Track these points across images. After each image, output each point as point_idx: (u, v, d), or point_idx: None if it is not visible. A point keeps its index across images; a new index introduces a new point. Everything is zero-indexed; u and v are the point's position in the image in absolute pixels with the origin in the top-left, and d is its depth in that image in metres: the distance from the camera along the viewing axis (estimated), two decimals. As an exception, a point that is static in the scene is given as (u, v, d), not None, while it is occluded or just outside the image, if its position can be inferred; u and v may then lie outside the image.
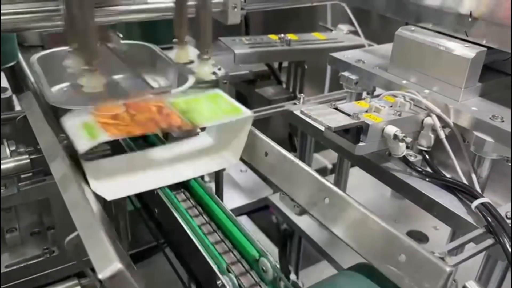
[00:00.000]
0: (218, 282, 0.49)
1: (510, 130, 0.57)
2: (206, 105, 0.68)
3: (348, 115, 0.60)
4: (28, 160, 0.60)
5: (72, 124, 0.59)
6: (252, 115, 0.66)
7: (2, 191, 0.65)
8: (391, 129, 0.60)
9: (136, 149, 0.68)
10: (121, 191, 0.60)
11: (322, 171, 1.22)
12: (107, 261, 0.34)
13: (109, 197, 0.57)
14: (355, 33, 1.09)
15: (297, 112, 0.77)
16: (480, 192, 0.60)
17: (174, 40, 0.73)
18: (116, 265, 0.34)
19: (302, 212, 0.90)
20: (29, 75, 0.92)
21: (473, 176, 0.61)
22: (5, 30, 0.58)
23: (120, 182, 0.61)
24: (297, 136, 1.07)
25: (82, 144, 0.54)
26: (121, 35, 1.07)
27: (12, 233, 0.75)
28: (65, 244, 0.37)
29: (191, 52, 1.07)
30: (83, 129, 0.58)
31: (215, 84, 0.96)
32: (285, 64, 1.17)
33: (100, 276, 0.33)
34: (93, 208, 0.42)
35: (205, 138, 0.71)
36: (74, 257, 0.39)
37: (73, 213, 0.39)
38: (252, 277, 0.51)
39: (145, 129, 0.60)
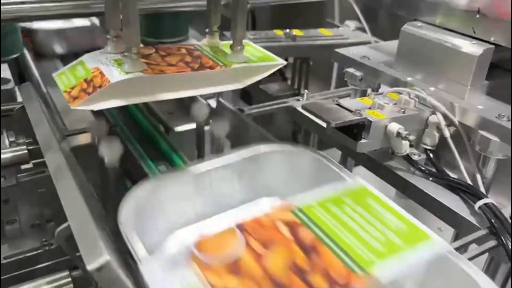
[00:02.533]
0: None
1: (516, 130, 0.55)
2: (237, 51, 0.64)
3: (351, 111, 0.59)
4: (26, 151, 0.59)
5: (100, 60, 0.57)
6: (284, 63, 0.65)
7: (1, 182, 0.65)
8: (394, 127, 0.59)
9: (134, 140, 0.67)
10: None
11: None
12: (96, 253, 0.33)
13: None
14: (362, 29, 1.08)
15: (300, 108, 0.76)
16: (485, 192, 0.58)
17: (206, 30, 0.71)
18: (105, 257, 0.33)
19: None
20: (32, 67, 0.93)
21: (478, 176, 0.60)
22: (5, 19, 0.58)
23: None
24: (301, 134, 1.05)
25: (115, 77, 0.52)
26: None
27: (12, 224, 0.74)
28: (55, 234, 0.37)
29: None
30: (115, 64, 0.56)
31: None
32: (290, 60, 1.16)
33: (88, 267, 0.33)
34: (87, 199, 0.41)
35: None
36: (66, 249, 0.38)
37: (65, 203, 0.38)
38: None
39: (177, 69, 0.58)
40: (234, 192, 0.52)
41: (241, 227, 0.43)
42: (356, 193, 0.49)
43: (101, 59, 0.57)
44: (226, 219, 0.49)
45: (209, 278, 0.38)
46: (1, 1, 0.60)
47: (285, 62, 0.65)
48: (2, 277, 0.68)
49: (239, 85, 0.64)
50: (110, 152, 0.53)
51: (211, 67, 0.59)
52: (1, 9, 0.61)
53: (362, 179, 0.52)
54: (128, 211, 0.42)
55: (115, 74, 0.52)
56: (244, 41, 0.64)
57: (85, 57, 0.59)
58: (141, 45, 0.58)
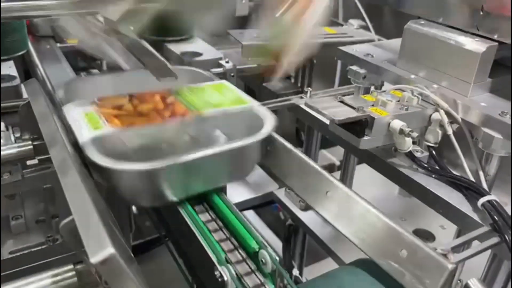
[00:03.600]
0: (216, 273, 0.49)
1: (519, 127, 0.55)
2: (211, 94, 0.67)
3: (354, 108, 0.60)
4: (31, 146, 0.60)
5: (75, 114, 0.59)
6: (257, 104, 0.65)
7: (7, 177, 0.65)
8: (397, 124, 0.59)
9: None
10: None
11: (330, 168, 1.21)
12: (100, 246, 0.34)
13: None
14: (366, 28, 1.08)
15: (303, 106, 0.76)
16: (488, 190, 0.58)
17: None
18: (109, 250, 0.33)
19: (307, 207, 0.90)
20: (38, 64, 0.93)
21: (481, 174, 0.60)
22: (5, 18, 0.58)
23: None
24: (304, 131, 1.06)
25: (84, 135, 0.54)
26: (132, 28, 1.07)
27: (18, 220, 0.75)
28: (60, 228, 0.37)
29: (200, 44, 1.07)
30: (86, 120, 0.58)
31: (222, 76, 0.96)
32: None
33: (92, 260, 0.33)
34: (91, 193, 0.41)
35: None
36: (70, 242, 0.39)
37: (69, 197, 0.39)
38: (251, 268, 0.51)
39: (148, 119, 0.60)
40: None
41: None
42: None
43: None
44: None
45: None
46: None
47: (258, 104, 0.65)
48: (7, 272, 0.69)
49: None
50: None
51: (183, 115, 0.61)
52: (9, 6, 0.62)
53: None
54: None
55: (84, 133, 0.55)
56: (222, 82, 0.71)
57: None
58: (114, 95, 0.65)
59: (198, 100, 0.65)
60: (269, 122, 0.60)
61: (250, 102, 0.65)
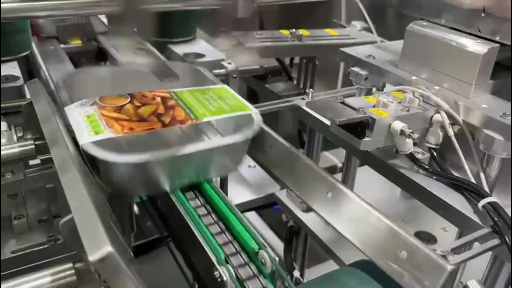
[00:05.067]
0: (215, 273, 0.49)
1: (521, 129, 0.55)
2: (212, 98, 0.67)
3: (355, 109, 0.60)
4: (33, 146, 0.60)
5: (76, 115, 0.60)
6: (257, 112, 0.65)
7: (9, 176, 0.66)
8: (398, 125, 0.59)
9: None
10: None
11: (332, 170, 1.21)
12: (98, 244, 0.34)
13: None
14: (369, 30, 1.08)
15: (305, 107, 0.76)
16: (489, 191, 0.58)
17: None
18: (107, 248, 0.33)
19: (308, 209, 0.90)
20: (42, 65, 0.94)
21: (482, 175, 0.60)
22: (5, 19, 0.59)
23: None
24: (306, 133, 1.06)
25: (85, 138, 0.55)
26: (135, 29, 1.08)
27: (20, 219, 0.76)
28: (59, 226, 0.37)
29: (203, 46, 1.08)
30: (87, 122, 0.58)
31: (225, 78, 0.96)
32: (296, 60, 1.16)
33: (90, 258, 0.33)
34: (91, 193, 0.42)
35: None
36: (69, 241, 0.39)
37: (68, 195, 0.39)
38: (251, 268, 0.51)
39: (148, 125, 0.60)
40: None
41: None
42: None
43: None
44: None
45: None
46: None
47: (257, 112, 0.65)
48: (9, 271, 0.70)
49: None
50: None
51: (181, 122, 0.61)
52: (11, 7, 0.63)
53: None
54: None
55: (85, 136, 0.55)
56: (223, 86, 0.71)
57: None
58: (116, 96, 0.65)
59: (198, 106, 0.65)
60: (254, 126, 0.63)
61: (251, 110, 0.65)
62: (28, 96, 0.79)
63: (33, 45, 1.00)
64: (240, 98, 0.69)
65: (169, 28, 1.07)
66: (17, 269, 0.68)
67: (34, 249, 0.72)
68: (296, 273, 0.93)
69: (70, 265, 0.44)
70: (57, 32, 1.14)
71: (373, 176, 0.72)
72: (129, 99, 0.65)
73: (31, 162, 0.69)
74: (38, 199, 0.77)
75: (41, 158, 0.66)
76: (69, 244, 0.38)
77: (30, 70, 0.99)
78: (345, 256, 0.82)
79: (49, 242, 0.73)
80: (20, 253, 0.72)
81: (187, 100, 0.66)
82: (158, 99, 0.66)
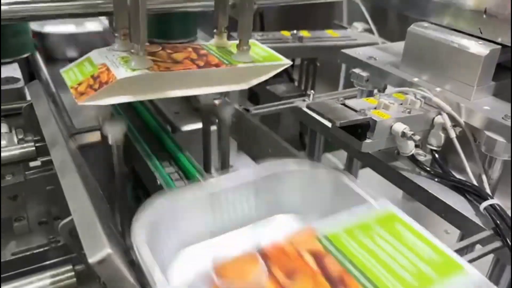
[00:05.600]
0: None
1: (523, 130, 0.55)
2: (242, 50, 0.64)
3: (356, 111, 0.59)
4: (34, 148, 0.60)
5: (109, 57, 0.57)
6: (290, 63, 0.64)
7: (9, 178, 0.66)
8: (400, 127, 0.58)
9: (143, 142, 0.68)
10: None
11: (333, 171, 1.20)
12: (98, 246, 0.34)
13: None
14: (370, 31, 1.08)
15: (306, 109, 0.76)
16: (491, 193, 0.58)
17: (214, 31, 0.71)
18: (106, 250, 0.33)
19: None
20: (42, 67, 0.94)
21: (484, 177, 0.59)
22: (5, 19, 0.59)
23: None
24: (307, 135, 1.05)
25: (121, 73, 0.52)
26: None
27: (20, 221, 0.75)
28: (59, 228, 0.37)
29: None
30: (121, 61, 0.56)
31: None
32: (297, 61, 1.16)
33: (90, 260, 0.33)
34: (92, 195, 0.42)
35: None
36: (69, 242, 0.39)
37: (68, 197, 0.39)
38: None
39: (183, 66, 0.58)
40: (249, 208, 0.52)
41: (262, 253, 0.40)
42: (385, 219, 0.46)
43: (108, 56, 0.57)
44: (242, 237, 0.50)
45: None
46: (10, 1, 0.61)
47: (290, 62, 0.64)
48: (9, 273, 0.69)
49: (245, 85, 0.64)
50: (114, 130, 0.54)
51: (216, 65, 0.59)
52: (12, 8, 0.63)
53: (389, 203, 0.50)
54: (142, 225, 0.41)
55: (121, 71, 0.53)
56: (250, 41, 0.64)
57: (92, 54, 0.59)
58: (148, 44, 0.58)
59: (229, 55, 0.63)
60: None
61: (282, 60, 0.64)
62: (28, 98, 0.79)
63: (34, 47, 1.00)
64: (270, 50, 0.67)
65: (169, 29, 1.06)
66: (18, 271, 0.67)
67: (34, 251, 0.72)
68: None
69: (70, 267, 0.44)
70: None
71: (375, 178, 0.72)
72: (161, 47, 0.63)
73: (32, 164, 0.69)
74: (38, 201, 0.77)
75: (41, 160, 0.66)
76: (69, 246, 0.37)
77: (31, 72, 0.99)
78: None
79: (50, 244, 0.73)
80: (20, 255, 0.71)
81: (219, 51, 0.64)
82: (190, 49, 0.64)
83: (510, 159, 0.58)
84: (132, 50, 0.55)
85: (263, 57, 0.64)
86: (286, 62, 0.64)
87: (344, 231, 0.43)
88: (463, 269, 0.40)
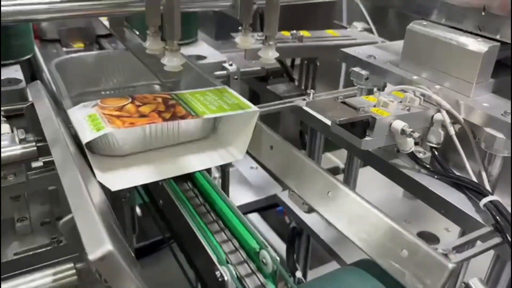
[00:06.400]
0: (216, 273, 0.49)
1: (522, 127, 0.55)
2: (212, 99, 0.68)
3: (355, 109, 0.60)
4: (35, 148, 0.60)
5: (78, 115, 0.60)
6: (258, 110, 0.66)
7: (11, 179, 0.66)
8: (399, 124, 0.59)
9: None
10: (126, 182, 0.60)
11: (334, 171, 1.21)
12: (98, 243, 0.34)
13: (113, 187, 0.57)
14: (370, 30, 1.08)
15: (306, 107, 0.76)
16: (490, 190, 0.58)
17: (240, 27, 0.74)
18: (107, 247, 0.33)
19: (310, 210, 0.90)
20: (44, 68, 0.94)
21: (483, 174, 0.59)
22: (5, 21, 0.59)
23: (125, 173, 0.61)
24: (307, 133, 1.06)
25: (86, 136, 0.55)
26: (137, 32, 1.08)
27: (23, 222, 0.76)
28: (59, 226, 0.37)
29: (205, 48, 1.08)
30: (88, 121, 0.58)
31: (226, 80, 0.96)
32: (298, 61, 1.16)
33: (90, 257, 0.33)
34: (93, 193, 0.42)
35: (213, 137, 0.71)
36: (69, 240, 0.39)
37: (69, 195, 0.39)
38: (251, 268, 0.51)
39: (149, 120, 0.60)
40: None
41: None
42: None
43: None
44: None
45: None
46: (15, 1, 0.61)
47: (258, 110, 0.66)
48: (12, 273, 0.70)
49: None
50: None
51: (182, 117, 0.62)
52: (13, 9, 0.63)
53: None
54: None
55: (87, 134, 0.56)
56: (222, 87, 0.72)
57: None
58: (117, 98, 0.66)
59: (199, 105, 0.65)
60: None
61: (251, 108, 0.65)
62: (30, 98, 0.80)
63: (36, 48, 1.01)
64: (239, 97, 0.69)
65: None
66: (20, 271, 0.68)
67: (37, 251, 0.72)
68: (299, 274, 0.93)
69: (71, 265, 0.44)
70: (60, 36, 1.15)
71: (376, 176, 0.72)
72: (130, 100, 0.65)
73: (34, 165, 0.69)
74: (40, 201, 0.77)
75: (43, 160, 0.67)
76: (70, 244, 0.38)
77: (33, 73, 0.99)
78: (347, 257, 0.82)
79: (52, 244, 0.73)
80: (23, 255, 0.72)
81: (187, 100, 0.66)
82: (159, 100, 0.66)
83: (509, 155, 0.58)
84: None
85: (229, 105, 0.66)
86: (253, 110, 0.65)
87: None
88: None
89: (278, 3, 0.65)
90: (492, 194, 0.54)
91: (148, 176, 0.62)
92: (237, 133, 0.68)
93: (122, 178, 0.60)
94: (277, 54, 0.71)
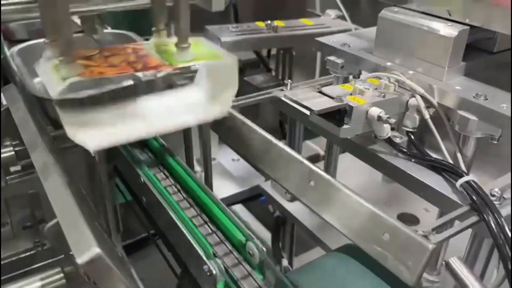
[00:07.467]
0: (204, 267, 0.49)
1: (493, 108, 0.57)
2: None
3: (332, 98, 0.60)
4: (13, 153, 0.60)
5: (45, 68, 0.55)
6: (235, 58, 0.61)
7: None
8: (375, 111, 0.60)
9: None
10: (105, 141, 0.52)
11: (314, 158, 1.22)
12: (86, 246, 0.34)
13: (91, 146, 0.49)
14: (343, 18, 1.09)
15: (284, 98, 0.77)
16: (466, 171, 0.60)
17: (153, 28, 0.69)
18: (95, 250, 0.34)
19: (293, 198, 0.91)
20: (15, 69, 0.92)
21: (459, 155, 0.61)
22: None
23: (103, 131, 0.53)
24: (287, 123, 1.06)
25: (53, 89, 0.50)
26: (108, 27, 1.07)
27: (4, 227, 0.75)
28: (45, 231, 0.37)
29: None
30: (55, 72, 0.53)
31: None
32: (273, 51, 1.17)
33: (79, 261, 0.33)
34: (76, 196, 0.42)
35: (193, 89, 0.62)
36: (56, 245, 0.39)
37: (52, 200, 0.39)
38: (237, 259, 0.51)
39: (118, 70, 0.56)
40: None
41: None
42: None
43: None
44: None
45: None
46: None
47: (235, 59, 0.61)
48: (-3, 280, 0.69)
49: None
50: None
51: (155, 68, 0.57)
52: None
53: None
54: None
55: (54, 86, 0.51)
56: (195, 38, 0.63)
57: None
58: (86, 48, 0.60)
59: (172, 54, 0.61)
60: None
61: (226, 59, 0.62)
62: (4, 102, 0.78)
63: (6, 50, 0.98)
64: (215, 47, 0.66)
65: (142, 24, 1.06)
66: (5, 277, 0.67)
67: (21, 256, 0.71)
68: (285, 262, 0.95)
69: (59, 269, 0.44)
70: (29, 36, 1.12)
71: (355, 162, 0.73)
72: (98, 51, 0.61)
73: (12, 169, 0.68)
74: (21, 206, 0.76)
75: (21, 164, 0.66)
76: (57, 249, 0.38)
77: (5, 77, 0.97)
78: (331, 242, 0.83)
79: (36, 248, 0.73)
80: (6, 260, 0.71)
81: (160, 50, 0.62)
82: (129, 50, 0.62)
83: (482, 136, 0.60)
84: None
85: (205, 56, 0.62)
86: (231, 60, 0.61)
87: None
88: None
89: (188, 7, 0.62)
90: (467, 174, 0.56)
91: (129, 135, 0.55)
92: (219, 87, 0.62)
93: (100, 137, 0.52)
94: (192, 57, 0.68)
